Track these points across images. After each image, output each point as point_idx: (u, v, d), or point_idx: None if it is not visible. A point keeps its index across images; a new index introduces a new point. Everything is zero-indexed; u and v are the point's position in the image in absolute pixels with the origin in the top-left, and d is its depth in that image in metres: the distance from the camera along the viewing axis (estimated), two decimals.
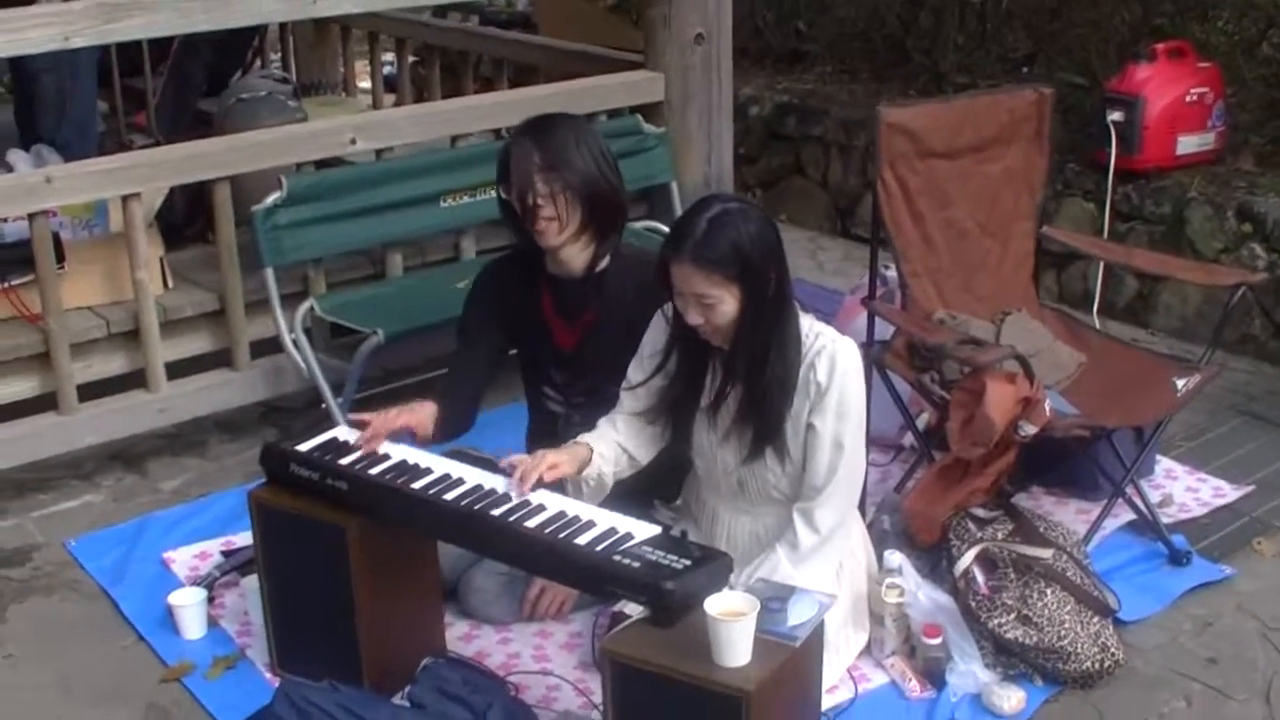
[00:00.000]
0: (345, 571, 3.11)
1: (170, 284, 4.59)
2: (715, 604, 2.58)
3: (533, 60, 5.83)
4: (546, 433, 3.65)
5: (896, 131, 3.86)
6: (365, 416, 3.30)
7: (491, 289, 3.67)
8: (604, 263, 3.53)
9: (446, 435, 3.53)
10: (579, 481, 3.19)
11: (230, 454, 4.58)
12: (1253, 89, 5.89)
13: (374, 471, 3.14)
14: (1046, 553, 3.41)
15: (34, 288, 4.19)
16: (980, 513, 3.53)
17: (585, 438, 3.26)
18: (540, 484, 3.04)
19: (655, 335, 3.30)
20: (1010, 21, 6.79)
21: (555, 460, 3.11)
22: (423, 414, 3.41)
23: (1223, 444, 4.50)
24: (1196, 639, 3.52)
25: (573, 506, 3.00)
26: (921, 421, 4.10)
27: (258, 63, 7.30)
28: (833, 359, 3.13)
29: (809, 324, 3.20)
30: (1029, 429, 3.42)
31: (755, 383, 3.14)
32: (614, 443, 3.28)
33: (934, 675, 3.30)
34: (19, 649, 3.57)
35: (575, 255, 3.49)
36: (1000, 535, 3.48)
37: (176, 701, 3.34)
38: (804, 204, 6.88)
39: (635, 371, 3.33)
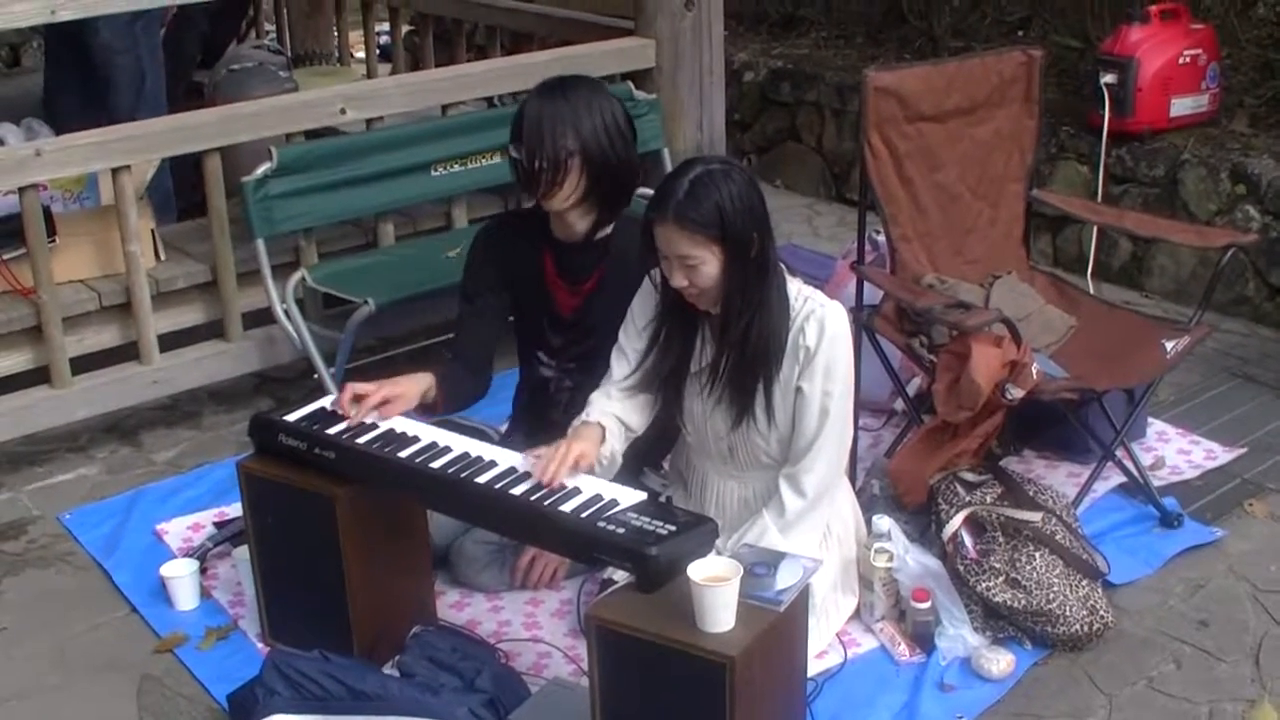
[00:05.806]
0: (334, 541, 3.12)
1: (162, 256, 4.59)
2: (698, 569, 2.58)
3: (526, 28, 5.82)
4: (537, 398, 3.66)
5: (884, 95, 3.84)
6: (360, 389, 3.25)
7: (492, 248, 3.63)
8: (608, 228, 3.51)
9: (456, 405, 3.49)
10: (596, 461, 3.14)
11: (225, 425, 4.58)
12: (1247, 50, 5.86)
13: (361, 441, 3.14)
14: (1035, 516, 3.41)
15: (25, 261, 4.18)
16: (969, 476, 3.53)
17: (592, 417, 3.20)
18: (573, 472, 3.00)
19: (644, 303, 3.28)
20: None
21: (582, 450, 3.04)
22: (406, 385, 3.31)
23: (1216, 406, 4.49)
24: (1187, 601, 3.52)
25: None
26: (912, 387, 4.10)
27: (252, 34, 7.29)
28: (821, 323, 3.12)
29: (797, 288, 3.19)
30: (1016, 392, 3.41)
31: (743, 346, 3.12)
32: (613, 416, 3.22)
33: (923, 639, 3.30)
34: (14, 621, 3.59)
35: (578, 220, 3.46)
36: (989, 498, 3.48)
37: (169, 672, 3.35)
38: (799, 169, 6.87)
39: (628, 339, 3.29)
